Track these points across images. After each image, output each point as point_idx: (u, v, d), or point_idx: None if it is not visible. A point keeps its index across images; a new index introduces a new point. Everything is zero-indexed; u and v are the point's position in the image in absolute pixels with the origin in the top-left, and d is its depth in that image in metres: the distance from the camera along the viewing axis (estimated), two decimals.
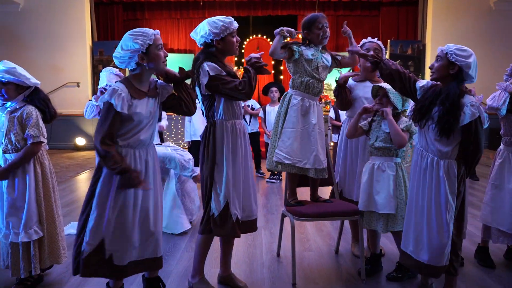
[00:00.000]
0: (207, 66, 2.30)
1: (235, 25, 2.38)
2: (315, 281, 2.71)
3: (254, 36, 11.20)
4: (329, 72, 2.79)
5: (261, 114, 6.02)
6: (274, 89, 5.83)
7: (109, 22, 10.78)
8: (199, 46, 2.46)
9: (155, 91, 2.19)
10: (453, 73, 2.19)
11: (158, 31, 2.12)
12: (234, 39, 2.40)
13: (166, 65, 2.15)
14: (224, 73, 2.32)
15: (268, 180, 5.94)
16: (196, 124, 5.43)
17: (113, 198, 2.04)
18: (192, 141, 5.54)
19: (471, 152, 2.21)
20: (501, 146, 2.90)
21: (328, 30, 2.68)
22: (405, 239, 2.42)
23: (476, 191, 5.25)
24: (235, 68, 11.13)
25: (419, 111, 2.31)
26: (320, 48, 2.71)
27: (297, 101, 2.66)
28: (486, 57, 9.51)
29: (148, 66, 2.08)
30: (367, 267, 2.77)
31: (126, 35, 2.05)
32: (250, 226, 2.54)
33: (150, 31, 2.07)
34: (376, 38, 2.97)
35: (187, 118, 5.59)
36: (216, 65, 2.31)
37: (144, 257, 2.17)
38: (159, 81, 2.25)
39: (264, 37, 11.23)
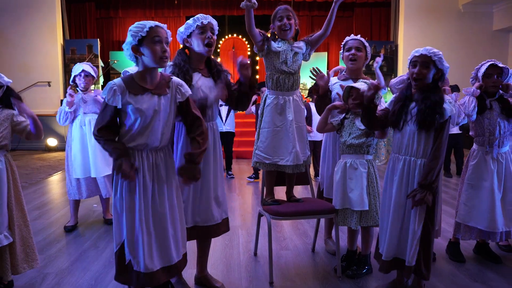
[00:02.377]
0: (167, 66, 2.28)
1: (203, 21, 2.27)
2: (292, 279, 2.73)
3: (230, 35, 11.18)
4: (305, 59, 2.77)
5: (253, 111, 6.01)
6: (264, 88, 5.78)
7: (81, 20, 10.54)
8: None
9: (163, 89, 2.04)
10: (437, 77, 2.29)
11: (164, 25, 2.01)
12: (203, 36, 2.27)
13: (166, 61, 2.01)
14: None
15: (248, 178, 6.01)
16: None
17: (126, 201, 2.01)
18: None
19: (439, 149, 2.24)
20: (474, 146, 2.98)
21: (288, 22, 2.62)
22: (383, 243, 2.43)
23: (448, 188, 5.40)
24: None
25: (393, 116, 2.37)
26: (289, 40, 2.68)
27: (271, 100, 2.69)
28: (456, 58, 9.79)
29: (143, 60, 1.99)
30: (342, 264, 2.81)
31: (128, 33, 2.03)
32: (206, 232, 2.40)
33: (148, 23, 1.97)
34: (359, 35, 2.95)
35: None
36: (172, 70, 2.28)
37: (168, 264, 2.11)
38: (176, 80, 2.11)
39: (240, 36, 11.22)
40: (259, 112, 2.77)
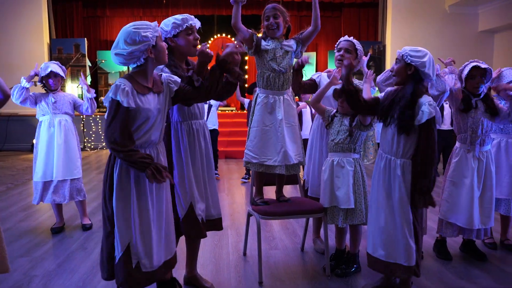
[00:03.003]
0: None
1: (191, 22, 2.28)
2: (281, 279, 2.74)
3: (219, 35, 11.16)
4: (296, 57, 2.76)
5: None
6: (256, 88, 5.74)
7: (67, 19, 10.41)
8: None
9: (160, 86, 2.06)
10: (410, 73, 2.27)
11: (156, 22, 2.05)
12: (191, 37, 2.29)
13: (167, 55, 2.06)
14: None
15: (243, 179, 6.00)
16: None
17: (135, 200, 1.98)
18: None
19: (425, 150, 2.24)
20: (457, 144, 3.03)
21: (275, 21, 2.60)
22: (372, 243, 2.43)
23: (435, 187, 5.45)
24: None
25: (382, 111, 2.39)
26: (279, 38, 2.66)
27: (261, 99, 2.68)
28: (442, 57, 9.89)
29: (156, 59, 1.98)
30: (331, 263, 2.83)
31: (129, 29, 1.92)
32: (214, 224, 2.53)
33: (151, 23, 1.99)
34: (352, 37, 2.96)
35: None
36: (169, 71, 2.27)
37: (166, 259, 2.14)
38: (164, 75, 2.13)
39: (229, 36, 11.20)
40: (250, 111, 2.76)
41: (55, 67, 3.56)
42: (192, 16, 2.33)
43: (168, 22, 2.29)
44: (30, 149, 8.97)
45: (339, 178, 2.67)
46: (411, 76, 2.27)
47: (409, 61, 2.25)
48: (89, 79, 9.82)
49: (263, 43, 2.64)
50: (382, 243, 2.36)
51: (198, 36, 2.34)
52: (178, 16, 2.30)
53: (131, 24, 1.97)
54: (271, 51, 2.63)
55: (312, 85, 3.06)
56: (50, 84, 3.58)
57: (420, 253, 2.42)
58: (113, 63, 10.21)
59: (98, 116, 9.20)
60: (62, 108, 3.63)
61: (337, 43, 2.97)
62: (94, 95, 3.77)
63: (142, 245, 1.99)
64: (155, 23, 2.02)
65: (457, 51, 10.08)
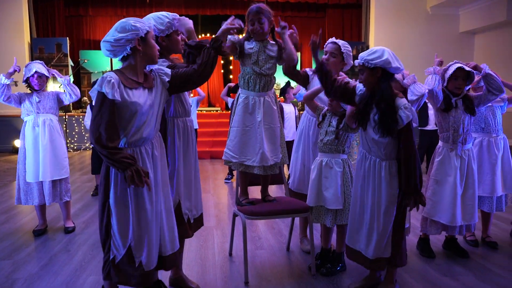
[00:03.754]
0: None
1: (182, 24, 2.35)
2: (267, 278, 2.74)
3: (203, 35, 11.12)
4: (279, 64, 2.72)
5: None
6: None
7: (49, 18, 10.24)
8: None
9: (150, 82, 2.04)
10: (379, 76, 2.27)
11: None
12: (179, 38, 2.35)
13: (158, 56, 2.06)
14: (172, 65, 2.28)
15: (226, 180, 5.99)
16: None
17: (133, 200, 1.96)
18: None
19: (408, 152, 2.26)
20: (440, 143, 3.07)
21: (260, 26, 2.56)
22: (352, 236, 2.51)
23: None
24: None
25: (358, 115, 2.41)
26: (263, 41, 2.62)
27: (242, 100, 2.67)
28: (424, 58, 10.08)
29: (143, 55, 1.97)
30: (317, 262, 2.84)
31: (122, 20, 1.95)
32: (199, 223, 2.55)
33: (147, 21, 2.03)
34: (339, 40, 2.93)
35: None
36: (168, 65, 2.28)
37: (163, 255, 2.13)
38: (155, 68, 2.11)
39: (213, 36, 11.17)
40: (232, 110, 2.76)
41: (39, 67, 3.51)
42: (176, 15, 2.34)
43: (161, 21, 2.27)
44: (12, 150, 8.81)
45: (328, 178, 2.68)
46: (381, 78, 2.27)
47: (372, 66, 2.24)
48: (71, 79, 9.67)
49: (246, 46, 2.62)
50: (367, 240, 2.41)
51: (184, 37, 2.39)
52: (169, 15, 2.30)
53: (126, 18, 1.98)
54: (254, 54, 2.60)
55: (304, 77, 3.03)
56: (35, 84, 3.52)
57: (404, 245, 2.47)
58: (96, 62, 10.12)
59: (81, 116, 9.07)
60: (46, 107, 3.57)
61: (325, 44, 2.95)
62: (68, 77, 3.71)
63: (142, 245, 1.99)
64: (153, 24, 2.06)
65: (438, 51, 10.18)
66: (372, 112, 2.32)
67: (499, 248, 3.27)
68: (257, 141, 2.63)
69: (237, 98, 2.72)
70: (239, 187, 2.87)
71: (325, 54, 2.91)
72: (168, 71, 2.12)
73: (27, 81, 3.54)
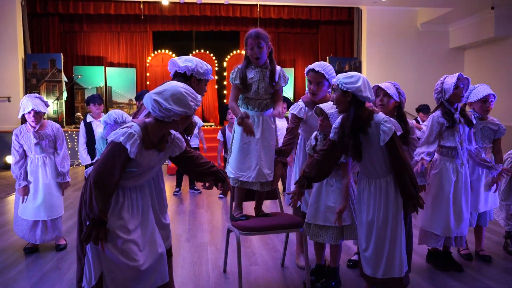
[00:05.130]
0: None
1: (212, 77, 2.48)
2: None
3: (197, 51, 11.20)
4: (274, 89, 2.78)
5: (220, 137, 5.87)
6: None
7: (43, 34, 10.27)
8: (173, 71, 2.45)
9: (164, 145, 2.04)
10: (349, 100, 2.30)
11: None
12: (205, 87, 2.49)
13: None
14: None
15: (220, 195, 5.95)
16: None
17: (114, 231, 1.94)
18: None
19: (399, 164, 2.27)
20: (436, 155, 3.08)
21: (259, 50, 2.62)
22: (369, 263, 2.38)
23: None
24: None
25: (340, 142, 2.36)
26: (262, 67, 2.71)
27: None
28: (414, 74, 10.24)
29: (180, 126, 1.99)
30: (311, 278, 2.82)
31: (180, 90, 1.92)
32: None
33: (198, 96, 2.02)
34: (318, 66, 2.79)
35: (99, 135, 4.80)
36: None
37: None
38: (175, 133, 2.11)
39: (208, 52, 11.25)
40: (233, 127, 2.83)
41: (36, 103, 3.39)
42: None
43: (205, 68, 2.43)
44: (3, 166, 8.72)
45: (329, 197, 2.63)
46: (351, 102, 2.30)
47: (345, 89, 2.28)
48: (65, 95, 9.67)
49: (248, 76, 2.71)
50: (380, 262, 2.33)
51: (207, 90, 2.54)
52: (208, 66, 2.47)
53: (184, 86, 1.97)
54: (254, 83, 2.70)
55: (297, 126, 2.95)
56: (31, 121, 3.43)
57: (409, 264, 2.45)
58: (90, 78, 10.14)
59: (74, 132, 9.04)
60: (43, 148, 3.50)
61: (305, 71, 2.88)
62: (68, 179, 3.63)
63: (115, 276, 1.94)
64: (200, 97, 2.07)
65: (429, 67, 10.42)
66: (349, 140, 2.30)
67: (493, 261, 3.28)
68: (254, 158, 2.69)
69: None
70: (233, 202, 2.87)
71: (310, 83, 2.84)
72: (183, 145, 2.14)
73: (23, 116, 3.44)
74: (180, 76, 2.42)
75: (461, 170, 3.01)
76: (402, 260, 2.32)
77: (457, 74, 2.98)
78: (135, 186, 2.06)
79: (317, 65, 2.79)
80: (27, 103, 3.38)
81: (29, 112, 3.39)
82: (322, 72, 2.77)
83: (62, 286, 2.83)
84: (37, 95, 3.52)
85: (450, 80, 2.96)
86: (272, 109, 2.81)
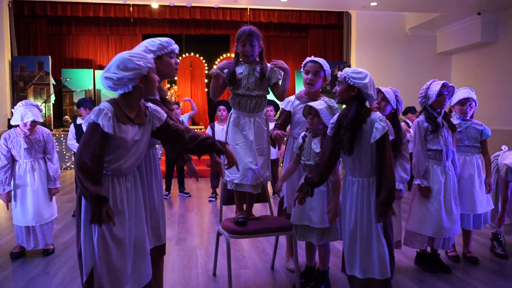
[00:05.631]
0: None
1: (174, 46, 2.36)
2: None
3: (187, 54, 11.19)
4: (269, 85, 2.71)
5: (209, 131, 5.93)
6: (222, 107, 5.80)
7: (31, 36, 10.16)
8: None
9: (143, 118, 2.02)
10: (353, 95, 2.32)
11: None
12: (173, 61, 2.35)
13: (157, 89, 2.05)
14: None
15: (210, 198, 5.95)
16: None
17: (95, 228, 1.91)
18: None
19: (382, 165, 2.27)
20: None
21: (251, 48, 2.61)
22: (349, 263, 2.40)
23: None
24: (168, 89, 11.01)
25: (336, 136, 2.39)
26: (251, 63, 2.66)
27: (233, 119, 2.71)
28: (403, 78, 10.34)
29: (144, 90, 1.95)
30: (301, 280, 2.83)
31: (123, 56, 1.90)
32: (157, 252, 2.39)
33: (147, 55, 1.99)
34: (319, 58, 2.93)
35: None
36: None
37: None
38: (151, 106, 2.08)
39: (197, 55, 11.24)
40: (225, 128, 2.78)
41: (36, 113, 3.34)
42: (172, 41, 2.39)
43: (153, 43, 2.31)
44: None
45: (313, 198, 2.61)
46: (354, 97, 2.32)
47: (351, 83, 2.30)
48: (52, 98, 9.57)
49: (237, 71, 2.67)
50: (359, 261, 2.35)
51: (179, 62, 2.41)
52: (163, 38, 2.33)
53: (127, 51, 1.96)
54: (244, 78, 2.65)
55: (286, 120, 3.04)
56: (27, 129, 3.38)
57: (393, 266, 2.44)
58: (78, 81, 10.05)
59: (62, 135, 8.95)
60: (32, 153, 3.45)
61: (303, 63, 2.96)
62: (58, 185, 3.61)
63: (106, 271, 1.92)
64: (151, 55, 2.03)
65: (417, 71, 10.54)
66: (345, 132, 2.33)
67: (480, 263, 3.32)
68: (247, 159, 2.63)
69: (230, 117, 2.76)
70: (235, 205, 2.82)
71: (306, 74, 2.92)
72: (163, 116, 2.10)
73: (15, 123, 3.38)
74: None
75: (448, 172, 3.07)
76: (384, 262, 2.29)
77: (442, 81, 3.03)
78: (126, 173, 2.01)
79: (315, 58, 2.93)
80: (26, 113, 3.32)
81: (25, 123, 3.35)
82: (321, 62, 2.90)
83: None
84: (33, 102, 3.47)
85: (435, 87, 3.03)
86: (264, 110, 2.76)
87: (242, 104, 2.67)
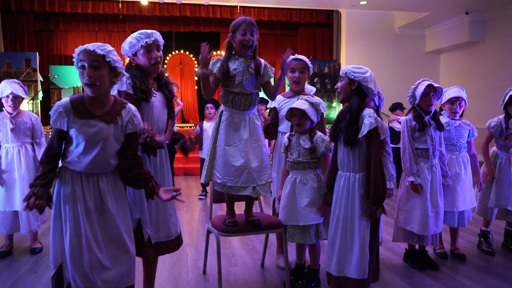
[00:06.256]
0: (124, 78, 2.17)
1: (147, 40, 2.21)
2: None
3: (177, 51, 11.13)
4: (262, 83, 2.63)
5: (197, 130, 5.93)
6: (209, 105, 5.80)
7: (18, 32, 10.01)
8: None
9: (113, 117, 1.93)
10: (354, 88, 2.39)
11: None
12: (152, 54, 2.22)
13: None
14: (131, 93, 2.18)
15: (200, 196, 5.93)
16: None
17: (69, 225, 1.90)
18: None
19: (370, 161, 2.29)
20: None
21: (251, 39, 2.49)
22: (328, 258, 2.44)
23: (389, 199, 5.63)
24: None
25: (333, 129, 2.48)
26: (246, 58, 2.54)
27: (225, 118, 2.57)
28: (392, 76, 10.42)
29: (107, 82, 1.89)
30: (291, 278, 2.84)
31: (78, 50, 1.91)
32: (166, 247, 2.38)
33: (106, 44, 1.93)
34: (303, 56, 2.97)
35: None
36: (131, 81, 2.19)
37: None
38: (132, 109, 2.00)
39: (187, 52, 11.19)
40: (214, 126, 2.64)
41: (15, 87, 3.32)
42: (152, 32, 2.27)
43: (127, 41, 2.26)
44: None
45: (303, 195, 2.64)
46: (355, 91, 2.39)
47: (352, 77, 2.37)
48: (40, 95, 9.45)
49: (231, 67, 2.52)
50: (336, 258, 2.38)
51: (159, 54, 2.26)
52: (135, 34, 2.25)
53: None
54: (238, 74, 2.51)
55: (275, 117, 3.06)
56: (9, 106, 3.34)
57: (378, 265, 2.46)
58: (66, 78, 9.93)
59: (50, 133, 8.84)
60: (20, 135, 3.41)
61: (287, 61, 2.86)
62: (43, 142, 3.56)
63: (74, 267, 1.90)
64: (131, 51, 2.07)
65: (406, 70, 10.63)
66: (341, 123, 2.39)
67: (467, 260, 3.37)
68: (243, 161, 2.50)
69: (220, 115, 2.61)
70: (227, 208, 2.74)
71: (292, 72, 2.95)
72: (140, 124, 2.03)
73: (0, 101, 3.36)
74: (130, 63, 2.31)
75: (435, 170, 3.11)
76: (364, 261, 2.30)
77: (428, 82, 3.05)
78: (98, 172, 1.96)
79: (299, 55, 2.93)
80: (5, 87, 3.32)
81: (7, 96, 3.32)
82: (305, 60, 2.92)
83: None
84: (15, 80, 3.45)
85: (420, 88, 3.06)
86: (256, 108, 2.66)
87: (237, 102, 2.54)
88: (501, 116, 3.57)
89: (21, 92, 3.37)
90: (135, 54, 2.26)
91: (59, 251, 1.92)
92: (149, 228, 2.27)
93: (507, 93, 3.49)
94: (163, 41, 2.33)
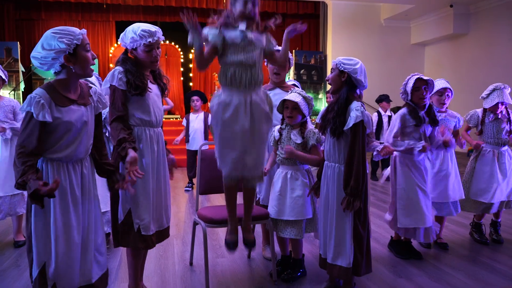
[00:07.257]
0: (116, 72, 2.20)
1: (150, 39, 2.19)
2: (228, 286, 2.73)
3: (162, 42, 10.99)
4: (265, 57, 2.44)
5: (184, 123, 5.90)
6: (195, 98, 5.77)
7: None
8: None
9: (87, 99, 1.94)
10: (344, 80, 2.41)
11: (85, 30, 1.91)
12: (150, 53, 2.22)
13: (92, 69, 1.94)
14: (121, 91, 2.17)
15: (186, 188, 5.93)
16: None
17: (59, 217, 1.83)
18: None
19: (353, 154, 2.31)
20: (396, 153, 3.15)
21: (253, 9, 2.28)
22: (323, 247, 2.51)
23: (375, 191, 5.72)
24: None
25: (321, 119, 2.51)
26: (246, 25, 2.29)
27: (221, 101, 2.29)
28: (378, 68, 10.50)
29: (74, 69, 1.85)
30: (278, 268, 2.86)
31: (48, 33, 1.80)
32: (161, 236, 2.43)
33: (76, 30, 1.85)
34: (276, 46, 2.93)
35: None
36: (123, 76, 2.18)
37: (92, 281, 1.97)
38: (96, 89, 2.02)
39: (173, 43, 11.07)
40: (209, 106, 2.40)
41: None
42: (156, 31, 2.23)
43: (128, 35, 2.22)
44: None
45: (295, 190, 2.66)
46: (345, 82, 2.41)
47: (342, 69, 2.40)
48: (22, 86, 9.26)
49: (230, 35, 2.26)
50: (331, 246, 2.44)
51: (158, 53, 2.27)
52: (138, 29, 2.20)
53: (54, 28, 1.85)
54: (236, 38, 2.26)
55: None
56: None
57: (367, 253, 2.49)
58: None
59: None
60: (1, 118, 3.34)
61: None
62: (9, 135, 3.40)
63: (60, 266, 1.85)
64: (80, 31, 1.87)
65: (391, 61, 10.72)
66: (331, 115, 2.42)
67: (450, 249, 3.44)
68: (239, 149, 2.29)
69: (215, 99, 2.32)
70: (227, 211, 2.59)
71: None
72: (106, 105, 2.05)
73: None
74: (125, 53, 2.31)
75: (425, 164, 3.12)
76: (346, 251, 2.38)
77: (417, 76, 3.03)
78: (81, 158, 1.93)
79: (278, 47, 2.60)
80: None
81: None
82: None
83: (21, 284, 2.73)
84: None
85: (411, 83, 3.03)
86: (262, 87, 2.39)
87: (236, 78, 2.23)
88: (479, 110, 3.63)
89: (2, 74, 3.34)
90: (135, 49, 2.25)
91: (42, 250, 1.83)
92: (139, 218, 2.25)
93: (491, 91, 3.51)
94: (163, 37, 2.34)
